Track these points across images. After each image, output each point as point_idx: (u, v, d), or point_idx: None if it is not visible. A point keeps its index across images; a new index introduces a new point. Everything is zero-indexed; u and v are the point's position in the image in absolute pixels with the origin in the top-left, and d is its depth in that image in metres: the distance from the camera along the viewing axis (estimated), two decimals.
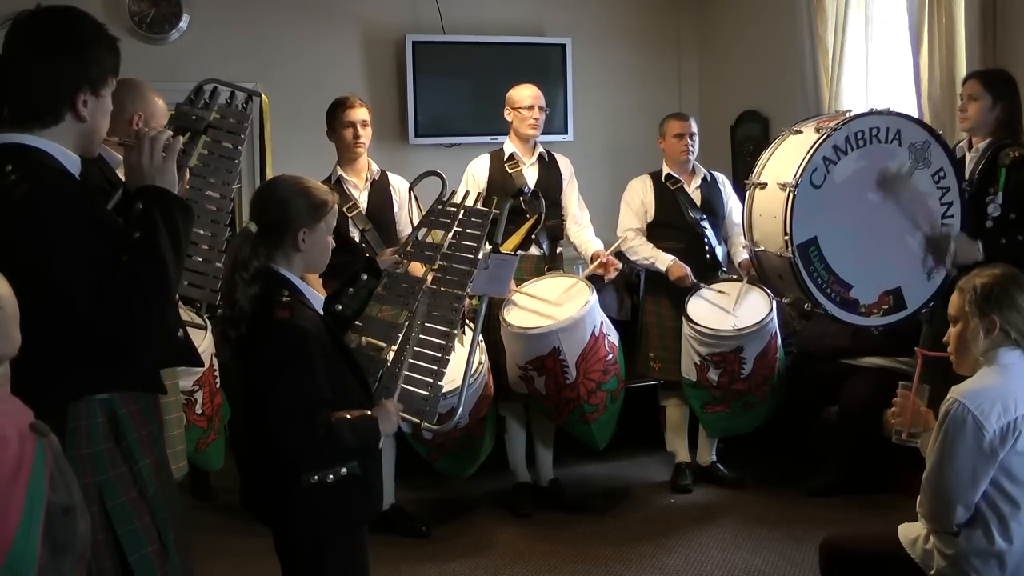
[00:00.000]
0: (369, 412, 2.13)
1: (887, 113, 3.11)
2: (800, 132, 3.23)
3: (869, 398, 3.83)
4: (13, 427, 1.04)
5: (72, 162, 1.81)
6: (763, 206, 3.18)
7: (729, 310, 4.04)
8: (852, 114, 3.17)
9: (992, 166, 3.17)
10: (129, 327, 1.70)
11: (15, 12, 1.80)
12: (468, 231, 2.59)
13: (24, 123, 1.78)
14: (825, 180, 3.01)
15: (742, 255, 4.22)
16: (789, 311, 4.71)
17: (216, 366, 3.42)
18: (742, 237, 4.22)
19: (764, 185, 3.19)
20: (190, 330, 2.45)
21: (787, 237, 2.99)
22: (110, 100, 1.88)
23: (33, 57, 1.77)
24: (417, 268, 2.74)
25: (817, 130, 3.10)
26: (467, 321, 3.41)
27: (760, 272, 3.35)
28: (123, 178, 2.26)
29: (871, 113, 3.12)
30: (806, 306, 3.13)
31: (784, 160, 3.16)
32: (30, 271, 1.67)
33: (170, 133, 1.90)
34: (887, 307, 3.10)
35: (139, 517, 1.79)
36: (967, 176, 3.24)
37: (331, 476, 2.05)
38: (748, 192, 3.29)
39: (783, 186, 3.03)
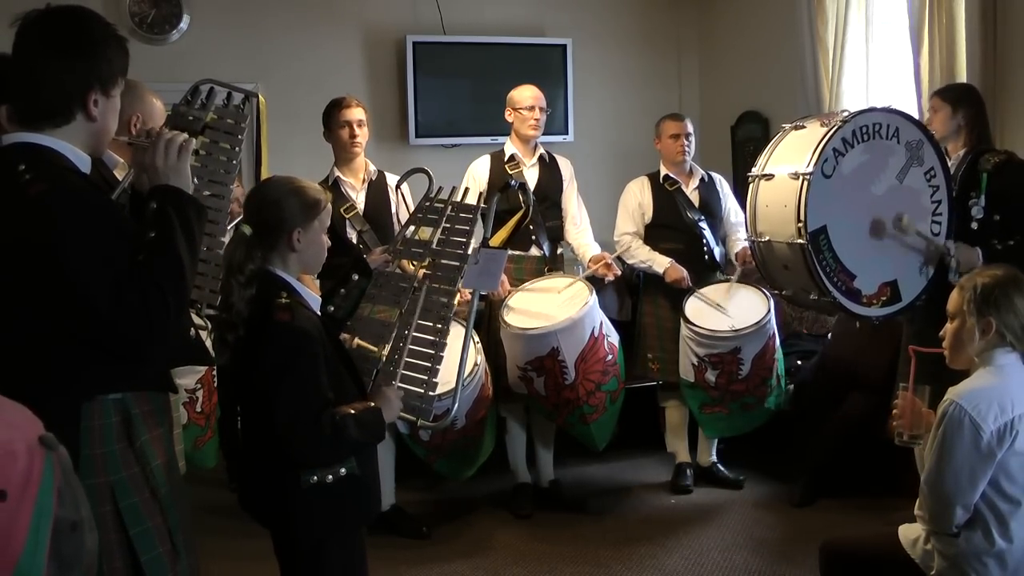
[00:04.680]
0: (372, 404, 2.14)
1: (888, 110, 3.18)
2: (803, 127, 3.28)
3: (869, 403, 3.85)
4: (22, 441, 1.03)
5: (83, 161, 1.82)
6: (770, 196, 3.21)
7: (726, 311, 4.04)
8: (858, 109, 3.25)
9: (973, 171, 3.27)
10: (147, 326, 1.70)
11: (24, 12, 1.80)
12: (456, 227, 2.59)
13: (35, 122, 1.78)
14: (835, 171, 3.07)
15: (738, 245, 4.22)
16: (789, 312, 4.72)
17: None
18: (742, 235, 4.24)
19: (770, 176, 3.22)
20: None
21: (800, 224, 3.03)
22: (119, 100, 1.88)
23: (44, 56, 1.77)
24: (407, 266, 2.74)
25: (823, 124, 3.16)
26: (460, 319, 3.41)
27: (761, 265, 3.36)
28: (120, 179, 2.27)
29: (874, 109, 3.19)
30: (811, 296, 3.15)
31: (790, 152, 3.21)
32: (47, 271, 1.68)
33: (185, 135, 1.91)
34: (885, 298, 3.17)
35: (151, 517, 1.80)
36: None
37: (330, 476, 2.05)
38: (751, 184, 3.32)
39: (795, 175, 3.08)
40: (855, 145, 3.08)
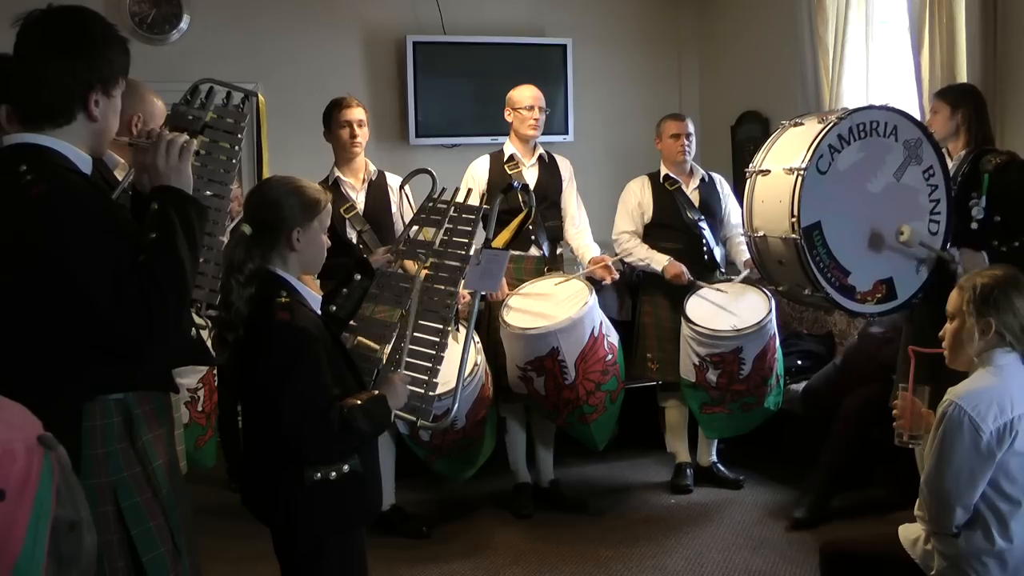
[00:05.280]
0: (377, 392, 2.14)
1: (886, 108, 3.18)
2: (801, 124, 3.29)
3: (867, 404, 3.83)
4: (20, 440, 1.03)
5: (84, 162, 1.82)
6: (766, 192, 3.22)
7: (728, 310, 4.04)
8: (855, 107, 3.25)
9: (974, 171, 3.26)
10: (147, 327, 1.71)
11: (26, 12, 1.80)
12: (459, 228, 2.60)
13: (36, 123, 1.78)
14: (830, 167, 3.07)
15: (745, 254, 4.22)
16: (789, 312, 4.70)
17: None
18: (743, 238, 4.24)
19: (767, 172, 3.24)
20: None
21: (794, 219, 3.04)
22: (120, 100, 1.89)
23: (46, 57, 1.77)
24: (410, 266, 2.74)
25: (820, 121, 3.17)
26: (461, 319, 3.42)
27: (758, 260, 3.36)
28: (120, 179, 2.27)
29: (872, 107, 3.19)
30: (805, 292, 3.15)
31: (787, 148, 3.22)
32: (48, 271, 1.68)
33: (186, 136, 1.91)
34: (880, 296, 3.17)
35: (153, 517, 1.80)
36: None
37: (333, 473, 2.06)
38: (749, 180, 3.33)
39: (790, 170, 3.09)
40: (851, 142, 3.09)
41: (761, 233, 3.24)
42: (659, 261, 4.22)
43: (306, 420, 1.99)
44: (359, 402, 2.05)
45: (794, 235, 3.05)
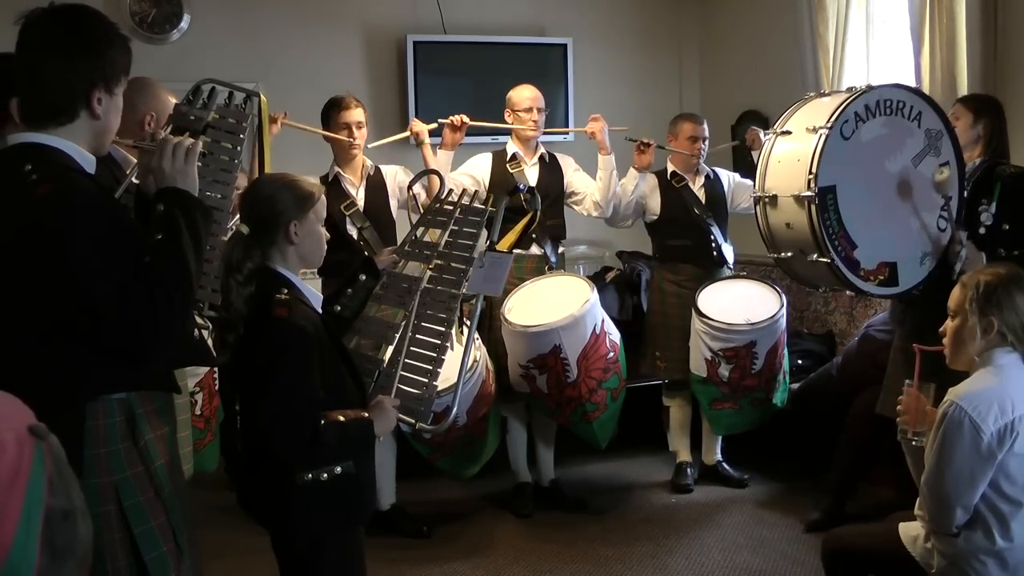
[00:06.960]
0: (365, 413, 2.12)
1: (915, 92, 3.15)
2: (827, 95, 3.26)
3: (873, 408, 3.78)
4: (11, 431, 1.02)
5: (88, 161, 1.82)
6: (785, 152, 3.18)
7: (740, 305, 4.02)
8: (885, 83, 3.24)
9: (987, 178, 3.23)
10: (153, 328, 1.71)
11: (28, 10, 1.80)
12: (464, 230, 2.59)
13: (39, 122, 1.78)
14: (853, 134, 3.04)
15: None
16: (790, 311, 4.66)
17: (215, 368, 3.42)
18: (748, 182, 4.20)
19: (788, 132, 3.20)
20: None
21: (811, 176, 2.99)
22: (121, 98, 1.89)
23: (48, 56, 1.77)
24: (415, 267, 2.74)
25: (848, 91, 3.14)
26: (464, 319, 3.41)
27: (763, 223, 3.28)
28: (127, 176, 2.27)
29: (900, 86, 3.16)
30: (809, 258, 3.10)
31: (812, 114, 3.17)
32: (54, 271, 1.68)
33: (191, 140, 1.91)
34: (882, 278, 3.12)
35: (155, 516, 1.80)
36: None
37: (325, 475, 2.05)
38: (767, 141, 3.27)
39: (813, 130, 3.05)
40: (876, 116, 3.06)
41: (772, 193, 3.18)
42: (631, 176, 4.22)
43: (280, 418, 1.97)
44: (341, 419, 2.03)
45: (809, 192, 2.99)
